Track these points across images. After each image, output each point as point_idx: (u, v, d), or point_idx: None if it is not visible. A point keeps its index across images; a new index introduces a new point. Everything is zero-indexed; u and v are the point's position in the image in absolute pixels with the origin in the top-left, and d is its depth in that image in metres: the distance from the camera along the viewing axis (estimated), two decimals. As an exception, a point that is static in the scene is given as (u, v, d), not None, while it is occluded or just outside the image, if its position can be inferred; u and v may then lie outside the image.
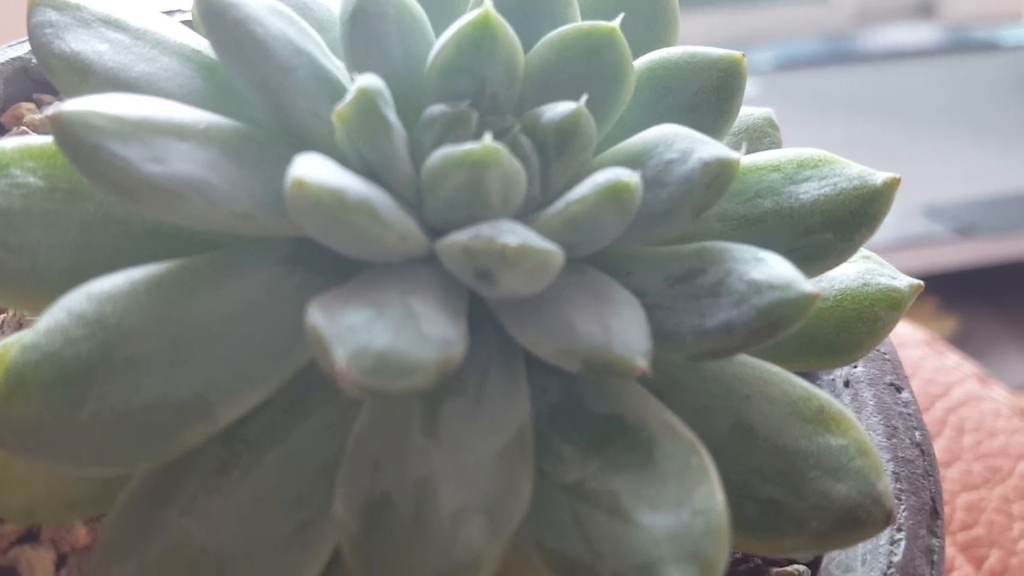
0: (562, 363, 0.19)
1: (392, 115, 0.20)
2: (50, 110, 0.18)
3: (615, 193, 0.20)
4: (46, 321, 0.18)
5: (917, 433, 0.27)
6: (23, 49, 0.32)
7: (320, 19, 0.24)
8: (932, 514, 0.25)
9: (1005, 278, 1.24)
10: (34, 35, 0.23)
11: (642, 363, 0.18)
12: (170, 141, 0.19)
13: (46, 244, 0.21)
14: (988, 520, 0.51)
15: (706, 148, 0.21)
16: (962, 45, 1.68)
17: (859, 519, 0.20)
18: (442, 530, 0.17)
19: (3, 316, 0.26)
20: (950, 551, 0.49)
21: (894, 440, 0.26)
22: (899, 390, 0.28)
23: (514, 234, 0.19)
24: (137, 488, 0.19)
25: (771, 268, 0.20)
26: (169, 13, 0.35)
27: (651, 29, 0.26)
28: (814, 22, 1.73)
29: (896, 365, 0.29)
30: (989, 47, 1.68)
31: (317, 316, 0.17)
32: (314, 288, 0.20)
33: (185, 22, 0.34)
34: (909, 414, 0.27)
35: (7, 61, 0.32)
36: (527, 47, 0.23)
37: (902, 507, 0.25)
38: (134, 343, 0.18)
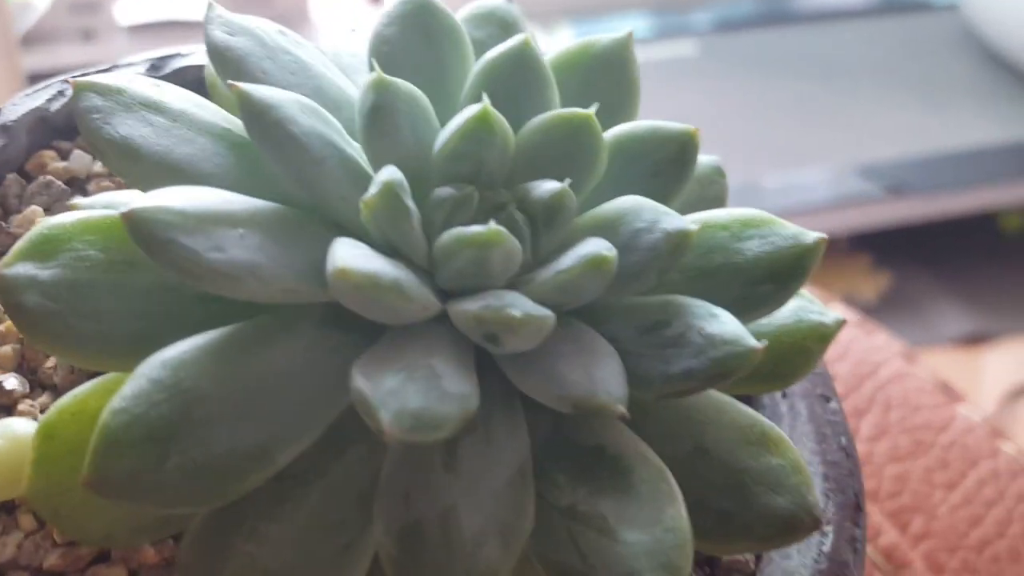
0: (556, 406, 0.23)
1: (410, 201, 0.24)
2: (121, 209, 0.22)
3: (596, 264, 0.24)
4: (130, 387, 0.22)
5: (843, 438, 0.32)
6: (40, 99, 0.35)
7: (335, 99, 0.28)
8: (855, 508, 0.30)
9: (937, 235, 1.30)
10: (83, 120, 0.26)
11: (621, 408, 0.23)
12: (225, 230, 0.23)
13: (112, 311, 0.24)
14: (912, 489, 0.57)
15: (669, 220, 0.25)
16: (895, 5, 1.73)
17: (795, 526, 0.25)
18: (466, 550, 0.22)
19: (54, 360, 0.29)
20: (877, 518, 0.55)
21: (824, 445, 0.31)
22: (828, 400, 0.33)
23: (517, 307, 0.23)
24: (206, 519, 0.23)
25: (724, 324, 0.24)
26: (169, 57, 0.38)
27: (617, 95, 0.31)
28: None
29: (826, 378, 0.34)
30: (921, 7, 1.73)
31: (361, 382, 0.21)
32: (346, 347, 0.24)
33: (186, 67, 0.38)
34: (837, 422, 0.32)
35: (27, 112, 0.35)
36: (516, 124, 0.27)
37: (830, 503, 0.30)
38: (206, 404, 0.22)
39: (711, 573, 0.30)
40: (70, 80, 0.26)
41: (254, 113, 0.24)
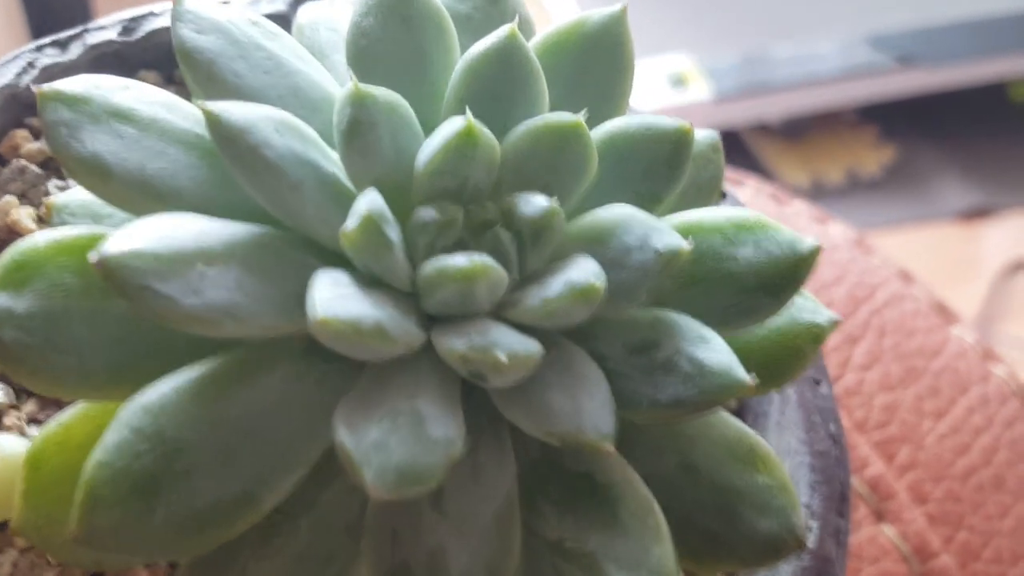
0: (545, 439, 0.23)
1: (392, 232, 0.23)
2: (92, 255, 0.21)
3: (585, 294, 0.23)
4: (112, 437, 0.22)
5: (832, 425, 0.32)
6: (8, 74, 0.34)
7: (312, 100, 0.27)
8: (841, 499, 0.30)
9: (944, 106, 1.27)
10: (51, 135, 0.25)
11: (608, 446, 0.23)
12: (201, 268, 0.22)
13: (89, 341, 0.24)
14: (901, 419, 0.58)
15: (659, 237, 0.24)
16: None
17: (778, 548, 0.25)
18: (453, 592, 0.22)
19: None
20: (865, 450, 0.56)
21: (812, 434, 0.31)
22: (818, 383, 0.33)
23: (502, 347, 0.22)
24: (197, 560, 0.23)
25: (713, 352, 0.24)
26: (142, 18, 0.36)
27: (609, 77, 0.29)
28: None
29: (818, 359, 0.33)
30: None
31: (344, 434, 0.21)
32: (329, 379, 0.24)
33: (159, 30, 0.36)
34: (826, 407, 0.32)
35: (-4, 89, 0.33)
36: (502, 126, 0.26)
37: (816, 495, 0.30)
38: (189, 453, 0.22)
39: (698, 559, 0.30)
40: (35, 89, 0.25)
41: (226, 139, 0.23)
